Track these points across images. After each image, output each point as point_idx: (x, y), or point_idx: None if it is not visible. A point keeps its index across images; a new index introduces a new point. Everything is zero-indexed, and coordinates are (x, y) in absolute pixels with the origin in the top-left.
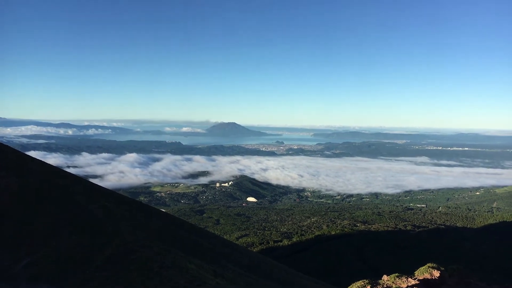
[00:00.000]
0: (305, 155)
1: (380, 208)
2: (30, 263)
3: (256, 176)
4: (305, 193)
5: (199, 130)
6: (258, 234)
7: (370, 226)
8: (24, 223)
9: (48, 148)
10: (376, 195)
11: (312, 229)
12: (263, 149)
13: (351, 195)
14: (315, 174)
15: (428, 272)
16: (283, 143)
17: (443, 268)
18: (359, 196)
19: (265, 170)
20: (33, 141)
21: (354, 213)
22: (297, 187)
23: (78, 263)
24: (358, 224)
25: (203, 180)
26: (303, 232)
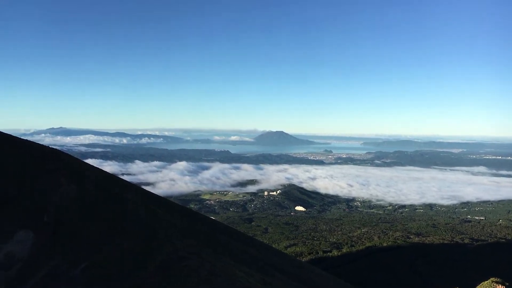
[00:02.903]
0: (354, 164)
1: (435, 219)
2: (86, 268)
3: (304, 185)
4: (355, 203)
5: (247, 138)
6: (306, 243)
7: (424, 238)
8: (82, 228)
9: (105, 156)
10: (430, 206)
11: (363, 240)
12: (311, 157)
13: (404, 206)
14: (365, 184)
15: (491, 287)
16: (332, 151)
17: (507, 284)
18: (412, 207)
19: (313, 179)
20: (91, 149)
21: (407, 224)
22: (346, 197)
23: (131, 269)
24: (412, 236)
25: (251, 188)
26: (353, 242)
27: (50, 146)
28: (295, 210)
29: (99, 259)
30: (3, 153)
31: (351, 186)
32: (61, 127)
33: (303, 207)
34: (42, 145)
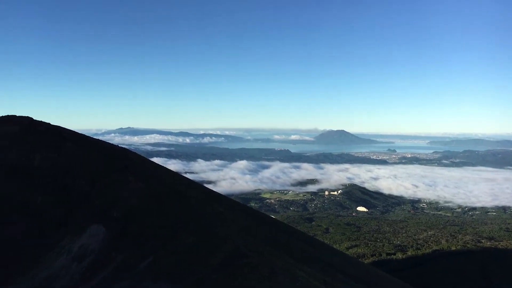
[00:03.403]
0: (419, 164)
1: (509, 223)
2: (152, 262)
3: (366, 185)
4: (421, 204)
5: (307, 138)
6: (369, 245)
7: (497, 243)
8: (148, 224)
9: (169, 155)
10: (504, 209)
11: (429, 243)
12: (374, 157)
13: (474, 208)
14: (432, 185)
15: None
16: (395, 151)
17: None
18: (484, 210)
19: (375, 179)
20: (156, 148)
21: (478, 228)
22: (411, 198)
23: (194, 264)
24: (483, 241)
25: (312, 188)
26: (418, 245)
27: (119, 145)
28: (357, 210)
29: (164, 254)
30: (78, 152)
31: (417, 186)
32: (129, 127)
33: (365, 207)
34: (112, 144)
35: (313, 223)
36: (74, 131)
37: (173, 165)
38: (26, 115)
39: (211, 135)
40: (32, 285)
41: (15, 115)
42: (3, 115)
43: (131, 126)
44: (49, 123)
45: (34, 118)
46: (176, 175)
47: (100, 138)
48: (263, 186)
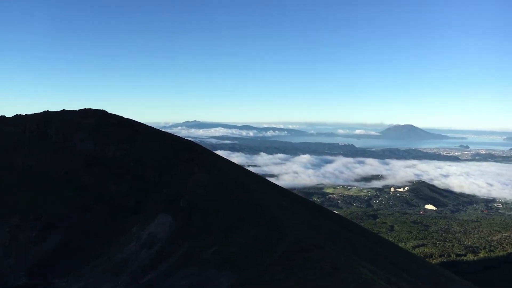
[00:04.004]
0: (495, 161)
1: None
2: (216, 251)
3: (436, 183)
4: (495, 204)
5: (372, 132)
6: (437, 245)
7: None
8: (212, 214)
9: (233, 148)
10: None
11: (504, 245)
12: (444, 153)
13: None
14: (508, 183)
15: None
16: (468, 147)
17: None
18: None
19: (446, 176)
20: (220, 141)
21: None
22: (484, 197)
23: (256, 256)
24: None
25: (376, 184)
26: (492, 247)
27: (186, 138)
28: (425, 208)
29: (227, 245)
30: (148, 144)
31: (491, 185)
32: (195, 121)
33: (434, 205)
34: (179, 137)
35: (377, 220)
36: (144, 124)
37: (237, 158)
38: (101, 109)
39: (274, 129)
40: (107, 267)
41: (91, 108)
42: (81, 108)
43: (197, 120)
44: (121, 116)
45: (108, 111)
46: (239, 168)
47: (168, 131)
48: (326, 181)
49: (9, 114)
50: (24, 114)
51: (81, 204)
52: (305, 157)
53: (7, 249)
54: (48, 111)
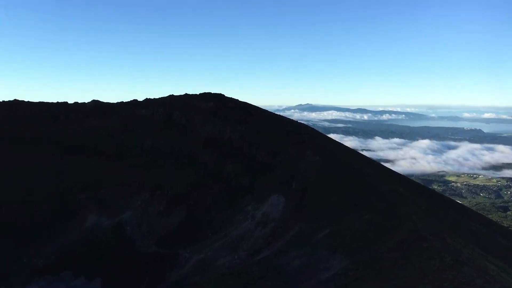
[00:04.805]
0: None
1: None
2: (328, 234)
3: None
4: None
5: (504, 116)
6: None
7: None
8: (325, 197)
9: (346, 131)
10: None
11: None
12: None
13: None
14: None
15: None
16: None
17: None
18: None
19: None
20: (333, 125)
21: None
22: None
23: (370, 241)
24: None
25: (508, 173)
26: None
27: (298, 121)
28: None
29: (340, 228)
30: (262, 126)
31: None
32: (308, 104)
33: None
34: (292, 120)
35: (508, 212)
36: (258, 107)
37: (350, 141)
38: (219, 92)
39: (390, 112)
40: (225, 242)
41: (210, 92)
42: (201, 92)
43: (310, 103)
44: (237, 100)
45: (225, 95)
46: (353, 152)
47: (281, 114)
48: (447, 168)
49: (141, 97)
50: (152, 98)
51: (201, 182)
52: (424, 142)
53: (139, 220)
54: (173, 95)
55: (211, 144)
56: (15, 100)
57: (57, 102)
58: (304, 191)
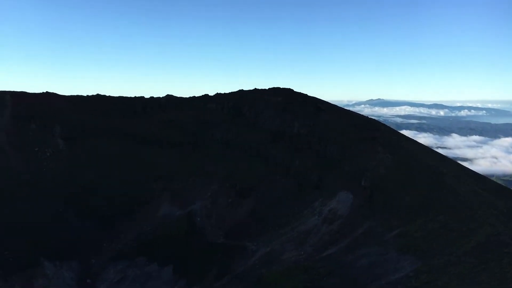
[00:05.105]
0: None
1: None
2: (399, 234)
3: None
4: None
5: None
6: None
7: None
8: (396, 196)
9: (420, 128)
10: None
11: None
12: None
13: None
14: None
15: None
16: None
17: None
18: None
19: None
20: (406, 121)
21: None
22: None
23: (444, 244)
24: None
25: None
26: None
27: (369, 117)
28: None
29: (412, 229)
30: (331, 122)
31: None
32: (379, 99)
33: None
34: (362, 115)
35: None
36: (327, 102)
37: (424, 138)
38: (288, 87)
39: (469, 108)
40: (291, 237)
41: (279, 87)
42: (270, 87)
43: (381, 98)
44: (306, 94)
45: (294, 90)
46: (427, 149)
47: (351, 109)
48: None
49: (211, 92)
50: (223, 92)
51: (269, 176)
52: (507, 140)
53: (209, 211)
54: (242, 90)
55: (280, 139)
56: (97, 94)
57: (135, 96)
58: (374, 188)
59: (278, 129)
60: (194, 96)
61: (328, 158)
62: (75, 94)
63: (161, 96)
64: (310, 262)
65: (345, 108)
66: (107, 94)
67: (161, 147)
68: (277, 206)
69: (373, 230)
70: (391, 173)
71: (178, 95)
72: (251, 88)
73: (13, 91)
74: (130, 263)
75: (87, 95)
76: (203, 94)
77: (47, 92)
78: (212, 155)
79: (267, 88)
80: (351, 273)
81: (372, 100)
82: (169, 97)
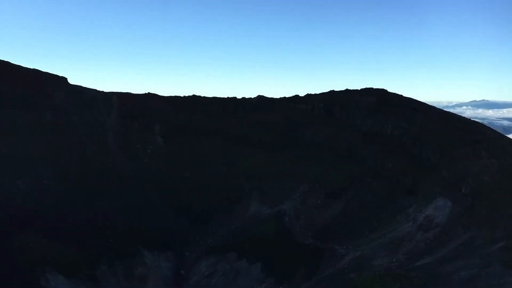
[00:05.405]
0: None
1: None
2: (504, 247)
3: None
4: None
5: None
6: None
7: None
8: (501, 205)
9: None
10: None
11: None
12: None
13: None
14: None
15: None
16: None
17: None
18: None
19: None
20: None
21: None
22: None
23: None
24: None
25: None
26: None
27: (471, 119)
28: None
29: None
30: (428, 123)
31: None
32: (483, 100)
33: None
34: (463, 117)
35: None
36: (424, 103)
37: None
38: (381, 88)
39: None
40: (382, 242)
41: (372, 88)
42: (363, 87)
43: (486, 99)
44: (401, 95)
45: (388, 90)
46: None
47: (451, 110)
48: None
49: (302, 93)
50: (313, 93)
51: (360, 178)
52: None
53: (298, 211)
54: (333, 90)
55: (371, 140)
56: (193, 95)
57: (227, 97)
58: (476, 196)
59: (370, 130)
60: (285, 97)
61: (424, 162)
62: (172, 94)
63: (252, 97)
64: (403, 271)
65: (444, 109)
66: (202, 95)
67: (252, 146)
68: (367, 209)
69: (475, 241)
70: (496, 180)
71: (269, 96)
72: (342, 89)
73: (119, 92)
74: (221, 257)
75: (184, 96)
76: (294, 95)
77: (148, 93)
78: (301, 155)
79: (359, 88)
80: (449, 285)
81: (475, 101)
82: (260, 98)
